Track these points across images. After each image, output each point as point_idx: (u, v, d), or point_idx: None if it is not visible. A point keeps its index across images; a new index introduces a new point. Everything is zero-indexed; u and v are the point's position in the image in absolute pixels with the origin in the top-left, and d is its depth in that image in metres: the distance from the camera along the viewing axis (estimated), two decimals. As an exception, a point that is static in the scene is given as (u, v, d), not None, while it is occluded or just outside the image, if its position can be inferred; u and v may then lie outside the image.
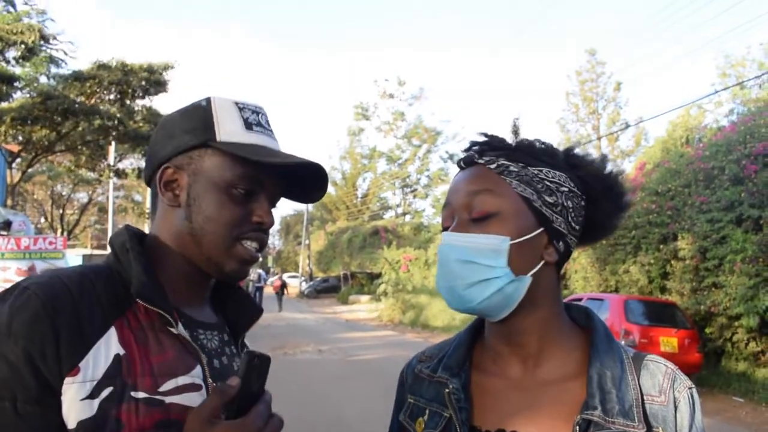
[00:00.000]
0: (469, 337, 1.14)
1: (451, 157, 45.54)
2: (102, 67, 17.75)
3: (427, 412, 1.08)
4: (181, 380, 0.97)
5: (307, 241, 50.73)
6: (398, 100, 49.12)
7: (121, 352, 0.93)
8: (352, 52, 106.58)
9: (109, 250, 1.10)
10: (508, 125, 1.10)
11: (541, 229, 1.00)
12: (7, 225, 12.72)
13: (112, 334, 0.94)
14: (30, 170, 22.89)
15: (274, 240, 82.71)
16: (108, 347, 0.93)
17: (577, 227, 1.04)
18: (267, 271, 61.40)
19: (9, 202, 18.90)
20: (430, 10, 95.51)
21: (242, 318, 1.19)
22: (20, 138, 18.69)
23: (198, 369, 1.01)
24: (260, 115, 1.12)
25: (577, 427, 0.94)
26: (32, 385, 0.87)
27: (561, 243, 1.02)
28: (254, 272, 24.86)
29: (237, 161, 1.04)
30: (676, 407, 0.97)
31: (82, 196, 38.56)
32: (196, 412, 0.87)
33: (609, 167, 1.08)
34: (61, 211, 36.16)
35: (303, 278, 49.27)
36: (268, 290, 36.61)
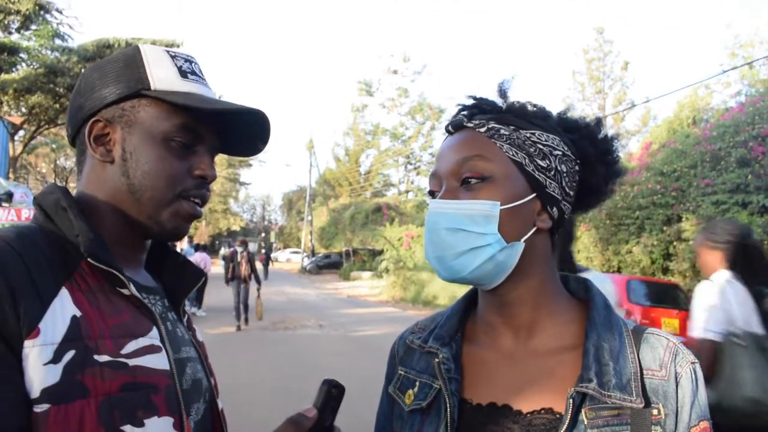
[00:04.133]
0: (462, 307, 1.10)
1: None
2: (105, 46, 17.77)
3: (417, 383, 1.04)
4: (142, 341, 0.91)
5: (309, 217, 50.72)
6: (401, 76, 48.74)
7: (78, 313, 0.85)
8: (357, 26, 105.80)
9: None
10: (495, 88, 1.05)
11: (534, 194, 0.96)
12: (9, 197, 12.72)
13: (65, 294, 0.86)
14: (33, 142, 22.89)
15: (277, 216, 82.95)
16: (63, 308, 0.84)
17: (571, 192, 1.00)
18: (270, 247, 61.55)
19: (11, 174, 18.91)
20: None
21: (183, 283, 1.13)
22: (23, 110, 18.70)
23: (155, 331, 0.95)
24: (193, 64, 1.06)
25: (571, 401, 0.89)
26: None
27: (555, 209, 0.98)
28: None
29: (175, 111, 0.99)
30: (677, 382, 0.92)
31: (85, 168, 38.44)
32: None
33: (603, 131, 1.04)
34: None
35: (305, 254, 49.37)
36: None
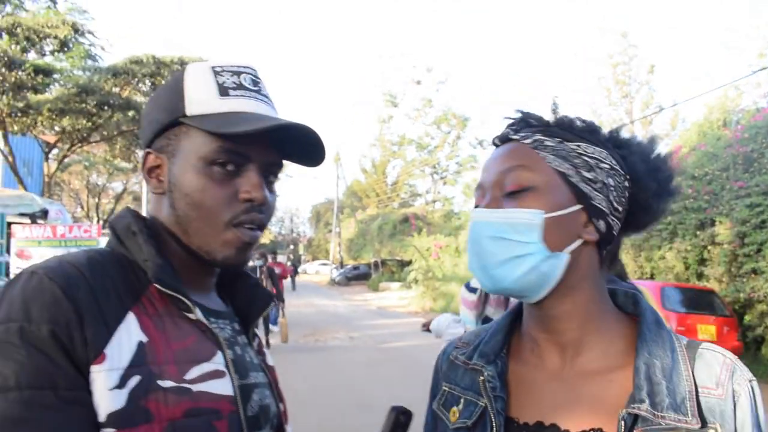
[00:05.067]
0: (507, 323, 1.07)
1: (480, 143, 45.33)
2: (135, 62, 18.14)
3: (462, 400, 1.02)
4: (206, 367, 0.91)
5: (337, 229, 50.90)
6: (425, 86, 48.86)
7: (144, 338, 0.86)
8: (381, 37, 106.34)
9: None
10: (545, 105, 1.04)
11: (579, 206, 0.94)
12: (44, 214, 12.96)
13: (132, 319, 0.87)
14: (66, 160, 23.37)
15: (305, 228, 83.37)
16: (130, 333, 0.85)
17: (620, 208, 0.97)
18: (299, 259, 61.84)
19: (46, 192, 19.32)
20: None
21: (253, 307, 1.11)
22: (56, 129, 19.14)
23: (219, 356, 0.94)
24: (242, 76, 0.99)
25: (623, 423, 0.86)
26: (70, 371, 0.79)
27: (601, 222, 0.96)
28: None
29: (211, 135, 0.93)
30: (735, 402, 0.88)
31: (117, 185, 39.19)
32: None
33: (657, 149, 1.01)
34: (96, 200, 36.83)
35: (334, 266, 49.49)
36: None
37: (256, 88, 1.00)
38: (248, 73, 1.01)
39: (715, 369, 0.91)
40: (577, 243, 0.94)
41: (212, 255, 0.96)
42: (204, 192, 0.94)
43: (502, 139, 1.02)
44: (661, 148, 1.02)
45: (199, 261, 0.99)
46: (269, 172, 1.00)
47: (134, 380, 0.83)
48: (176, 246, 0.98)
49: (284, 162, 1.03)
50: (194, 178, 0.94)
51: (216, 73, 0.98)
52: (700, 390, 0.89)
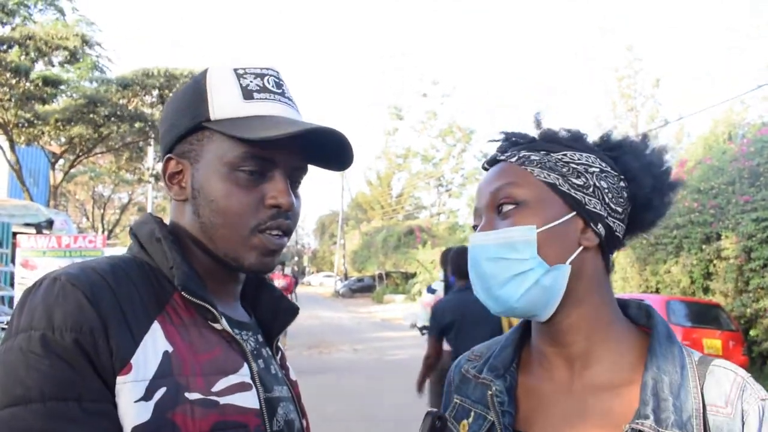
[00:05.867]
0: (517, 336, 1.07)
1: (485, 156, 45.33)
2: (146, 74, 18.27)
3: (472, 414, 1.02)
4: (233, 379, 0.88)
5: (342, 241, 50.89)
6: (430, 99, 49.08)
7: (170, 348, 0.83)
8: (387, 47, 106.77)
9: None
10: (552, 111, 1.06)
11: (573, 213, 0.94)
12: (50, 224, 13.00)
13: (157, 328, 0.84)
14: (72, 171, 23.47)
15: (310, 239, 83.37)
16: (155, 343, 0.83)
17: (620, 209, 0.97)
18: (303, 271, 61.86)
19: (52, 202, 19.39)
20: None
21: (277, 319, 1.08)
22: (62, 139, 19.24)
23: (246, 368, 0.92)
24: (266, 78, 0.97)
25: None
26: (94, 382, 0.77)
27: (600, 225, 0.95)
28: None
29: (236, 140, 0.90)
30: (743, 421, 0.86)
31: (122, 196, 39.29)
32: None
33: (650, 145, 1.02)
34: (102, 211, 36.91)
35: (338, 277, 49.45)
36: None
37: (279, 91, 0.98)
38: (271, 75, 0.98)
39: (725, 387, 0.90)
40: (577, 251, 0.94)
41: (239, 261, 0.94)
42: (230, 198, 0.91)
43: (491, 162, 1.03)
44: (655, 144, 1.02)
45: (224, 268, 0.97)
46: (294, 177, 0.98)
47: (160, 392, 0.80)
48: (201, 253, 0.96)
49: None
50: (219, 183, 0.92)
51: (239, 76, 0.95)
52: (708, 408, 0.88)
